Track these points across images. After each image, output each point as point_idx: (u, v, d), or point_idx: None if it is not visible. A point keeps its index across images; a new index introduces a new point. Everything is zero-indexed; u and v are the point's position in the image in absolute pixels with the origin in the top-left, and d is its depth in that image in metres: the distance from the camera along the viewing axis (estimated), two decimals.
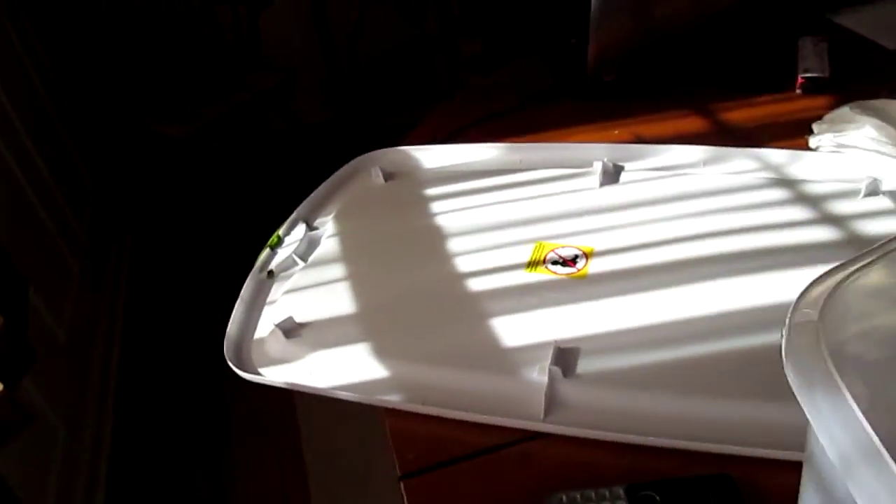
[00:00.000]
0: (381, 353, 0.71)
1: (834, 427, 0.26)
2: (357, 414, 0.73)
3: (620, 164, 0.89)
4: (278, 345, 0.75)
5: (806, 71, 0.99)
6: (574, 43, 1.12)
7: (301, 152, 2.17)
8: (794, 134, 0.90)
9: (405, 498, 0.61)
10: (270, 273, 0.85)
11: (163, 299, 1.97)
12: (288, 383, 0.71)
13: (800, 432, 0.57)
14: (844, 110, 0.85)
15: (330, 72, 2.37)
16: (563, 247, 0.78)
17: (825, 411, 0.27)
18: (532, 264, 0.77)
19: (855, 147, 0.83)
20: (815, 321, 0.30)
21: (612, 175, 0.88)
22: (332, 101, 2.29)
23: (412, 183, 0.94)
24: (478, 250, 0.80)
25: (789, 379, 0.29)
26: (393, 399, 0.67)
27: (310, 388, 0.70)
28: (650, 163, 0.89)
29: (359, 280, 0.81)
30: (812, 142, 0.87)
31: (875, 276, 0.32)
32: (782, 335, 0.31)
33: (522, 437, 0.63)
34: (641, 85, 1.04)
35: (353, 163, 0.98)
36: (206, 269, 1.94)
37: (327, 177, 0.97)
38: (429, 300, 0.77)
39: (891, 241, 0.33)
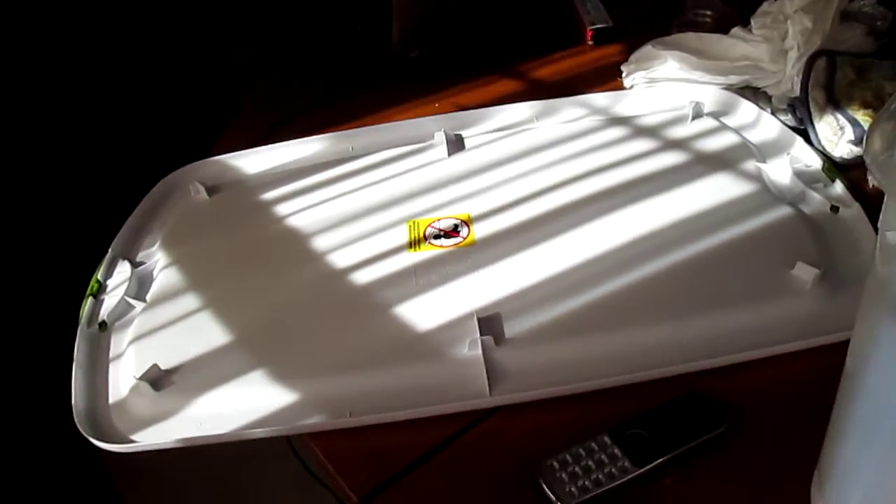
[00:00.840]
0: (280, 376, 0.61)
1: None
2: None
3: (458, 132, 0.87)
4: (147, 401, 0.62)
5: (592, 23, 1.04)
6: (360, 29, 1.08)
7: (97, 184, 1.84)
8: (604, 79, 0.94)
9: None
10: (103, 325, 0.70)
11: None
12: (179, 440, 0.58)
13: (741, 332, 0.59)
14: (647, 48, 0.90)
15: None
16: (438, 219, 0.74)
17: None
18: (413, 244, 0.71)
19: (666, 79, 0.88)
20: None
21: (456, 143, 0.85)
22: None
23: (242, 192, 0.83)
24: (347, 243, 0.73)
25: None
26: (316, 421, 0.58)
27: (207, 438, 0.58)
28: (487, 126, 0.87)
29: (221, 306, 0.69)
30: (626, 82, 0.91)
31: None
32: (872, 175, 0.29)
33: (475, 420, 0.58)
34: (445, 57, 1.02)
35: (163, 182, 0.85)
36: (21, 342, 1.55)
37: (130, 206, 0.83)
38: (311, 308, 0.68)
39: None
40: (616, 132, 0.83)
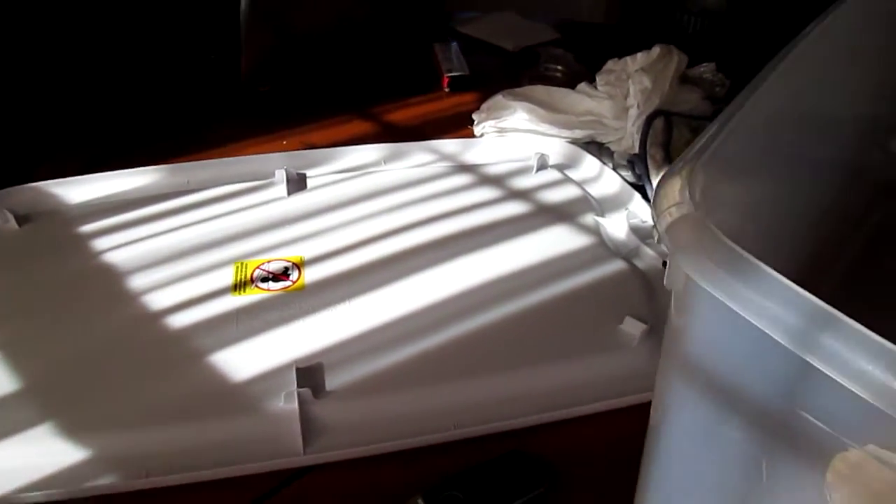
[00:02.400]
0: (71, 430, 0.55)
1: (775, 304, 0.24)
2: None
3: (302, 171, 0.83)
4: None
5: (450, 71, 1.04)
6: (214, 59, 1.03)
7: None
8: (457, 126, 0.94)
9: None
10: None
11: None
12: None
13: (569, 387, 0.58)
14: (498, 98, 0.91)
15: None
16: (268, 261, 0.69)
17: (758, 292, 0.24)
18: (238, 286, 0.67)
19: (515, 129, 0.89)
20: (690, 212, 0.28)
21: (297, 182, 0.81)
22: None
23: (58, 223, 0.76)
24: (167, 283, 0.67)
25: (695, 278, 0.26)
26: (106, 482, 0.52)
27: None
28: (332, 167, 0.84)
29: (10, 349, 0.62)
30: (476, 130, 0.91)
31: (716, 154, 0.32)
32: (657, 237, 0.28)
33: (287, 479, 0.53)
34: (298, 94, 0.99)
35: None
36: None
37: None
38: (118, 353, 0.62)
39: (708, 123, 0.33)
40: (462, 179, 0.82)
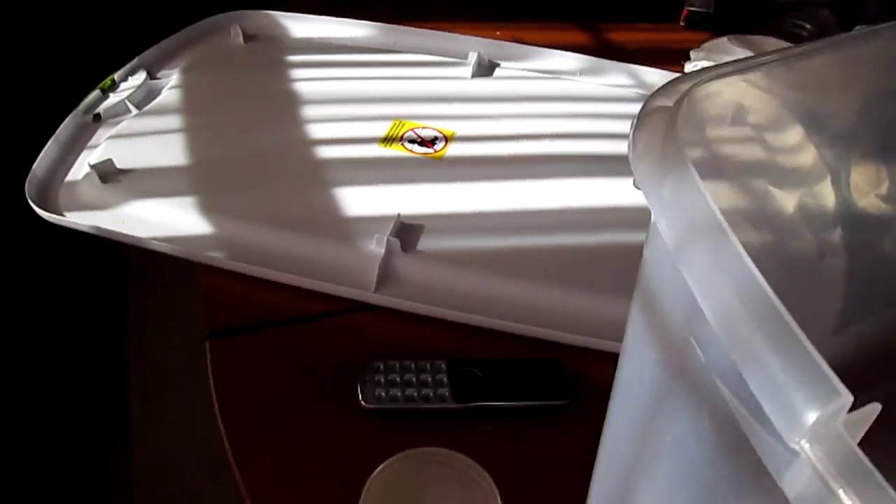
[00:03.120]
0: (207, 208, 0.64)
1: (674, 206, 0.23)
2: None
3: (497, 61, 0.85)
4: (91, 188, 0.66)
5: (692, 5, 0.98)
6: None
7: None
8: (672, 60, 0.89)
9: (209, 359, 0.55)
10: (97, 116, 0.75)
11: None
12: (94, 227, 0.62)
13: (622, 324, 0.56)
14: (723, 41, 0.85)
15: None
16: (423, 127, 0.73)
17: (668, 190, 0.23)
18: (387, 140, 0.72)
19: None
20: (669, 107, 0.26)
21: (486, 68, 0.83)
22: None
23: (274, 48, 0.86)
24: (331, 120, 0.74)
25: (632, 161, 0.25)
26: (212, 255, 0.61)
27: (119, 234, 0.62)
28: (527, 64, 0.85)
29: (196, 134, 0.72)
30: (688, 67, 0.86)
31: (741, 86, 0.29)
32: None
33: (349, 308, 0.59)
34: None
35: (211, 19, 0.88)
36: (39, 115, 1.71)
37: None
38: (271, 162, 0.70)
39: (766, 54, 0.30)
40: None
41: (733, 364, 0.19)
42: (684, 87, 0.29)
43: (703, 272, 0.21)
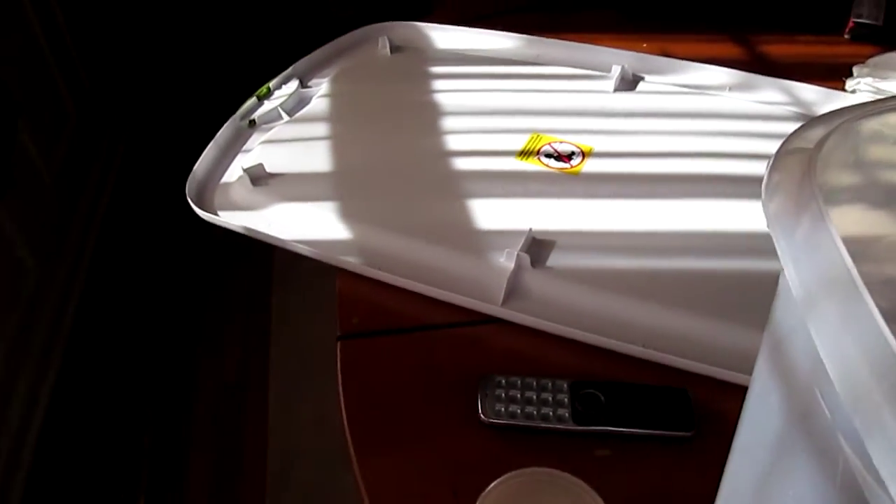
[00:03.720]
0: (348, 214, 0.67)
1: (804, 256, 0.22)
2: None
3: (641, 74, 0.83)
4: (243, 190, 0.71)
5: (859, 16, 0.91)
6: None
7: (294, 20, 2.07)
8: (832, 76, 0.84)
9: (339, 359, 0.57)
10: (252, 122, 0.80)
11: (158, 150, 1.90)
12: (245, 228, 0.67)
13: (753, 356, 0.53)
14: (891, 56, 0.79)
15: None
16: (560, 142, 0.73)
17: (799, 238, 0.22)
18: (525, 153, 0.72)
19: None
20: (809, 149, 0.25)
21: (629, 83, 0.82)
22: None
23: (419, 59, 0.88)
24: (471, 131, 0.75)
25: (764, 204, 0.24)
26: (348, 260, 0.63)
27: (265, 235, 0.66)
28: (672, 79, 0.83)
29: (342, 142, 0.76)
30: (849, 84, 0.81)
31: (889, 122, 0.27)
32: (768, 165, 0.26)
33: (476, 320, 0.59)
34: (682, 1, 0.97)
35: (360, 30, 0.92)
36: (201, 120, 1.85)
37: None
38: (409, 172, 0.72)
39: None
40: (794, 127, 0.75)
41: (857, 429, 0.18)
42: (835, 122, 0.27)
43: (830, 331, 0.20)
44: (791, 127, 0.81)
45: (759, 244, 0.62)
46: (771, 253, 0.61)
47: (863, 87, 0.79)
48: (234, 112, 0.81)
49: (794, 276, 0.22)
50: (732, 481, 0.35)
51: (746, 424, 0.33)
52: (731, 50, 0.91)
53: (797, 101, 0.79)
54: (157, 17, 2.13)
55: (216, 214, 0.69)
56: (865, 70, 0.80)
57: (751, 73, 0.81)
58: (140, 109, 2.06)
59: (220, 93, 1.15)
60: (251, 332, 1.51)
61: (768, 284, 0.60)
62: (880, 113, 0.27)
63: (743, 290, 0.59)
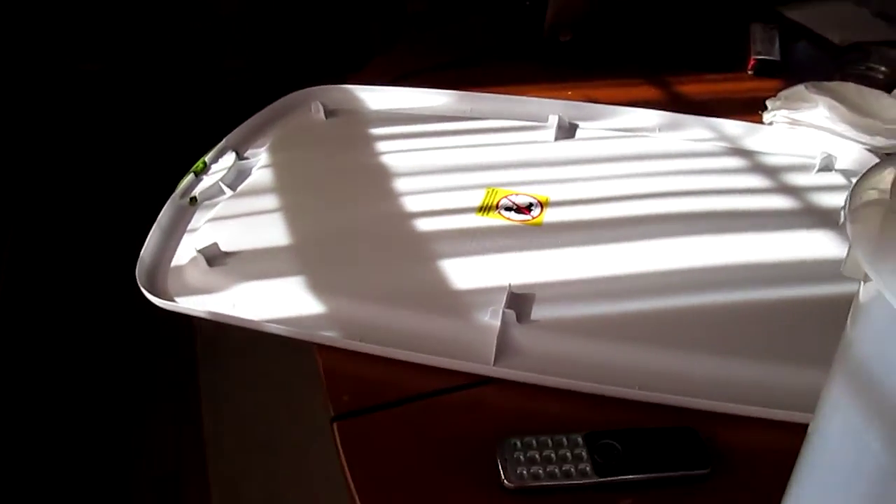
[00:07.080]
0: (317, 287, 0.65)
1: None
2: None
3: (575, 121, 0.86)
4: (199, 273, 0.67)
5: (758, 53, 0.99)
6: (528, 5, 1.08)
7: (225, 94, 2.03)
8: (747, 110, 0.89)
9: (338, 441, 0.55)
10: (193, 200, 0.77)
11: (75, 228, 1.79)
12: (209, 313, 0.63)
13: (760, 387, 0.55)
14: (799, 88, 0.85)
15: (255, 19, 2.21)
16: (517, 194, 0.74)
17: None
18: (484, 209, 0.72)
19: (809, 124, 0.83)
20: (886, 199, 0.26)
21: (567, 130, 0.84)
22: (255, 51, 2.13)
23: (355, 122, 0.87)
24: (425, 191, 0.75)
25: (860, 254, 0.25)
26: (327, 335, 0.61)
27: (234, 318, 0.63)
28: (606, 123, 0.86)
29: (294, 213, 0.74)
30: (766, 117, 0.86)
31: None
32: (844, 215, 0.27)
33: (471, 383, 0.58)
34: (597, 49, 1.01)
35: (291, 96, 0.90)
36: (125, 198, 1.74)
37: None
38: (373, 237, 0.71)
39: None
40: (732, 162, 0.80)
41: None
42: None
43: None
44: (724, 162, 0.85)
45: (721, 276, 0.65)
46: (735, 283, 0.64)
47: (779, 119, 0.85)
48: (169, 190, 0.77)
49: None
50: None
51: (819, 468, 0.34)
52: (650, 92, 0.96)
53: (723, 137, 0.84)
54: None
55: (173, 301, 0.65)
56: (778, 103, 0.86)
57: (675, 112, 0.86)
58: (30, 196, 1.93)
59: (151, 170, 1.09)
60: (180, 415, 1.43)
61: (742, 311, 0.63)
62: None
63: (723, 322, 0.61)
